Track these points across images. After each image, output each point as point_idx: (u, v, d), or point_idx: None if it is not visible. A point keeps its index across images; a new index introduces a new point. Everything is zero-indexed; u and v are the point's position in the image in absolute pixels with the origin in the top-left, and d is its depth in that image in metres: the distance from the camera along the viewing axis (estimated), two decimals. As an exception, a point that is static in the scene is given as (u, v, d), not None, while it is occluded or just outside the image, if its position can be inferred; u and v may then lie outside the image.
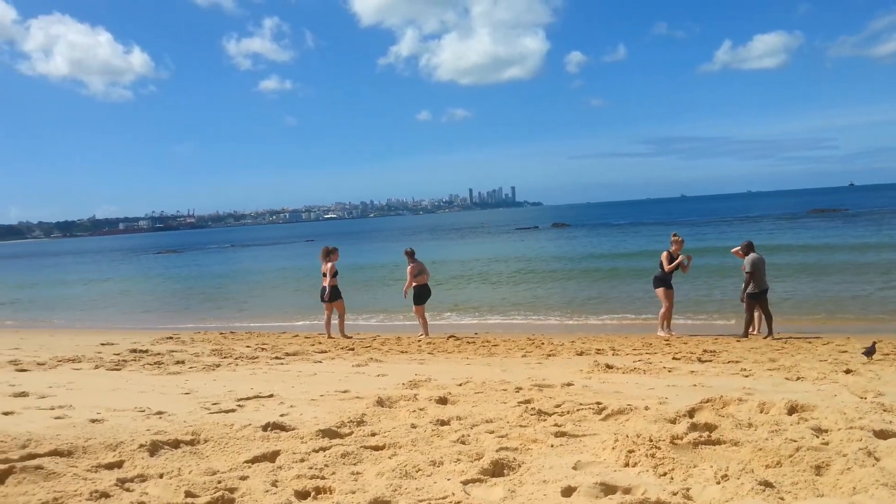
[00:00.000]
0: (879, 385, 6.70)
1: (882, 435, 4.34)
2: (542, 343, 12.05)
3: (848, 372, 7.79)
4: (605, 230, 65.50)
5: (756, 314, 12.67)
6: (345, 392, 7.05)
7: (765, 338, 12.17)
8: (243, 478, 3.83)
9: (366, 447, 4.47)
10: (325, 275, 14.20)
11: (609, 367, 8.57)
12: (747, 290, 12.46)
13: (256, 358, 10.55)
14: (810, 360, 9.09)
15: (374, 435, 4.87)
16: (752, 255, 12.54)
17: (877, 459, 3.80)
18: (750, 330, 12.71)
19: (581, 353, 10.50)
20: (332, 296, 14.12)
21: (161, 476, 3.93)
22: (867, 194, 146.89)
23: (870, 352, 9.07)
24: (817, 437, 4.35)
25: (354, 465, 4.12)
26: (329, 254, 14.35)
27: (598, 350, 10.86)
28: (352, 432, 4.98)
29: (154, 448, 4.44)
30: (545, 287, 23.18)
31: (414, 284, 14.10)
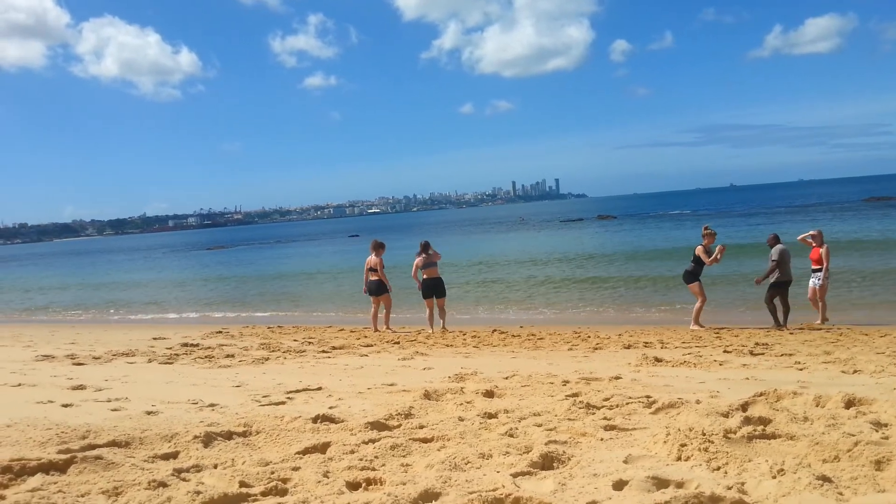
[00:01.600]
0: (942, 378, 6.48)
1: (946, 429, 4.20)
2: (589, 336, 11.95)
3: (907, 365, 7.55)
4: (652, 221, 64.60)
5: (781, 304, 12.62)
6: (392, 385, 7.10)
7: (778, 329, 12.02)
8: (295, 468, 3.89)
9: (414, 439, 4.50)
10: (372, 269, 14.28)
11: (658, 360, 8.45)
12: (772, 280, 12.60)
13: (304, 351, 10.70)
14: (867, 352, 8.83)
15: (422, 427, 4.89)
16: (779, 246, 12.71)
17: (941, 454, 3.67)
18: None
19: (629, 347, 10.38)
20: (379, 290, 14.21)
21: (216, 466, 4.01)
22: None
23: None
24: (876, 431, 4.22)
25: (404, 457, 4.15)
26: (377, 248, 14.43)
27: (646, 343, 10.73)
28: (400, 425, 5.01)
29: (208, 439, 4.53)
30: (589, 280, 22.96)
31: (424, 277, 14.06)
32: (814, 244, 13.15)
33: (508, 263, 30.40)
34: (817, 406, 5.08)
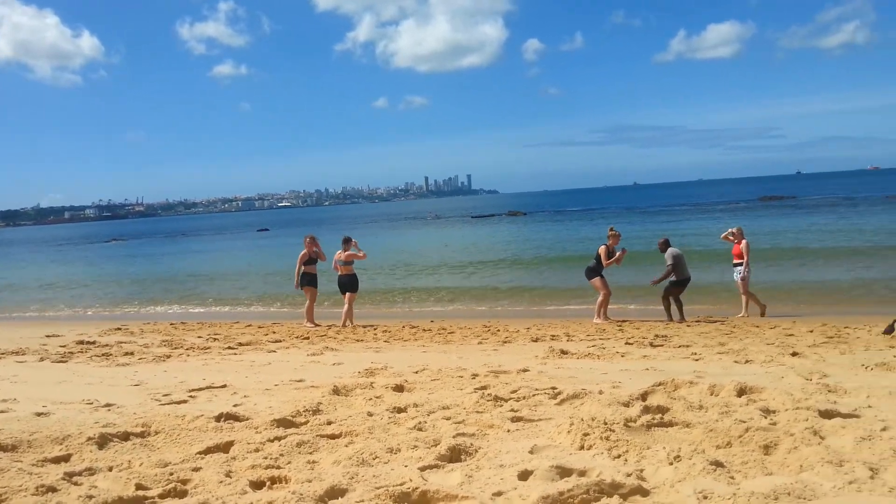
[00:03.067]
0: (824, 367, 6.91)
1: (827, 415, 4.48)
2: (498, 330, 12.12)
3: (794, 355, 8.01)
4: (561, 217, 66.16)
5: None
6: (300, 381, 6.99)
7: (678, 322, 12.69)
8: (196, 469, 3.77)
9: (322, 436, 4.44)
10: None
11: (564, 352, 8.66)
12: (670, 279, 13.18)
13: (208, 348, 10.39)
14: (758, 343, 9.32)
15: (330, 423, 4.84)
16: (671, 250, 13.35)
17: (822, 438, 3.91)
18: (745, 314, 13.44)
19: (536, 340, 10.59)
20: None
21: (111, 469, 3.84)
22: (814, 182, 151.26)
23: (890, 330, 9.73)
24: (765, 417, 4.46)
25: (310, 453, 4.09)
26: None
27: (553, 336, 10.97)
28: (307, 421, 4.94)
29: (103, 441, 4.33)
30: (500, 275, 23.30)
31: (340, 273, 13.99)
32: (734, 240, 13.90)
33: (420, 258, 30.46)
34: (712, 395, 5.32)
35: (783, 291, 16.14)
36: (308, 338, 11.77)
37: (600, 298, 13.47)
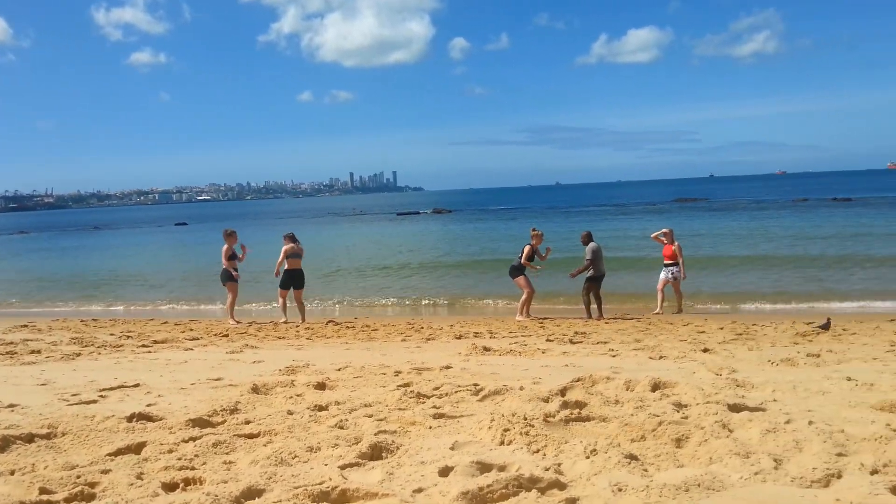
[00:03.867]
0: (733, 363, 7.21)
1: (735, 408, 4.67)
2: (422, 327, 12.14)
3: (706, 351, 8.33)
4: (485, 216, 66.74)
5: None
6: (218, 380, 6.81)
7: (597, 319, 13.01)
8: (105, 471, 3.62)
9: (239, 435, 4.33)
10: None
11: (486, 349, 8.74)
12: (587, 275, 13.52)
13: (121, 346, 10.01)
14: (672, 340, 9.65)
15: (248, 423, 4.73)
16: (592, 244, 13.66)
17: (730, 431, 4.08)
18: (659, 311, 13.91)
19: (460, 337, 10.66)
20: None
21: (12, 472, 3.64)
22: (725, 185, 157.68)
23: (825, 326, 10.28)
24: (678, 411, 4.62)
25: (227, 454, 3.98)
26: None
27: (476, 333, 11.07)
28: (224, 421, 4.81)
29: (5, 443, 4.11)
30: (424, 273, 23.35)
31: (286, 267, 13.82)
32: (665, 241, 14.35)
33: (344, 254, 30.20)
34: (627, 390, 5.47)
35: (698, 291, 16.77)
36: (227, 335, 11.49)
37: (524, 296, 13.69)
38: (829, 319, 10.57)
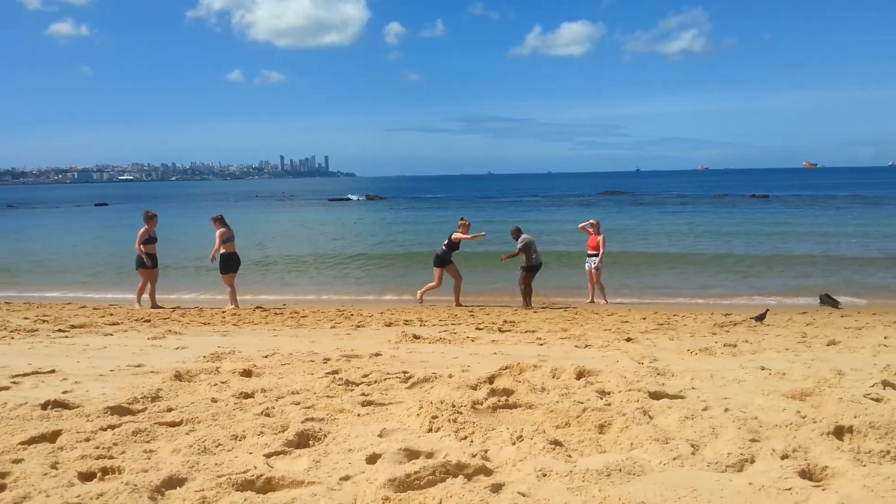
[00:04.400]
0: (655, 352, 7.43)
1: (655, 396, 4.83)
2: (352, 314, 12.07)
3: (629, 340, 8.57)
4: (418, 203, 66.73)
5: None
6: (138, 366, 6.60)
7: (525, 308, 13.27)
8: (17, 461, 3.46)
9: (161, 423, 4.21)
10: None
11: (416, 337, 8.76)
12: (521, 265, 13.84)
13: (36, 331, 9.58)
14: (597, 329, 9.89)
15: (170, 410, 4.60)
16: (523, 236, 13.96)
17: (651, 417, 4.21)
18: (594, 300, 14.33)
19: (390, 324, 10.64)
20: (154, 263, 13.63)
21: (-88, 464, 3.45)
22: (651, 179, 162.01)
23: (761, 317, 10.79)
24: (601, 398, 4.74)
25: (147, 442, 3.87)
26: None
27: (407, 321, 11.07)
28: (145, 408, 4.67)
29: None
30: (354, 260, 23.19)
31: (222, 251, 13.50)
32: (591, 232, 14.70)
33: (271, 239, 29.70)
34: (553, 377, 5.58)
35: (622, 284, 17.21)
36: (149, 320, 11.16)
37: (432, 284, 14.01)
38: (766, 310, 11.17)
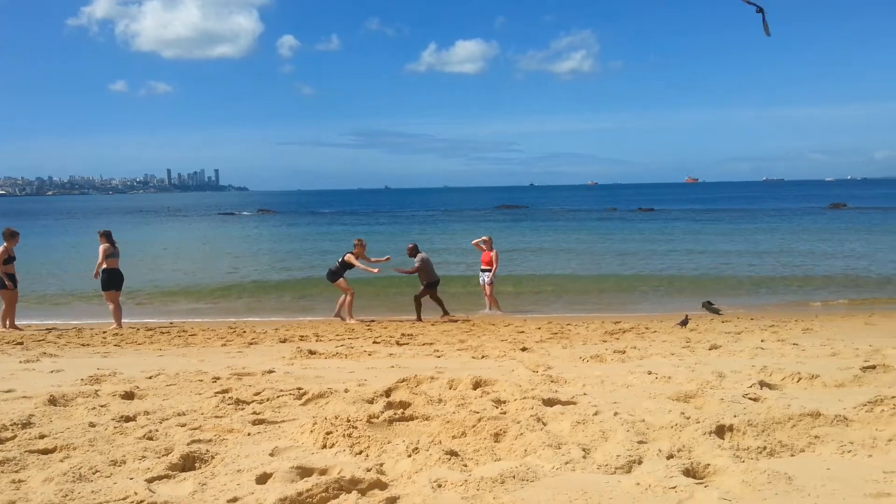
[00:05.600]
0: (549, 360, 7.59)
1: (549, 403, 4.91)
2: (244, 331, 11.71)
3: (524, 350, 8.71)
4: (313, 218, 65.77)
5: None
6: (8, 392, 6.11)
7: (442, 318, 13.46)
8: None
9: (32, 451, 3.91)
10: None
11: (312, 352, 8.58)
12: (424, 281, 13.96)
13: None
14: (493, 340, 10.01)
15: (42, 437, 4.28)
16: (420, 255, 14.08)
17: (544, 424, 4.28)
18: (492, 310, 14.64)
19: (284, 341, 10.39)
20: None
21: None
22: (545, 193, 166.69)
23: (684, 322, 11.42)
24: (497, 407, 4.77)
25: (16, 472, 3.58)
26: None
27: (302, 337, 10.84)
28: (15, 436, 4.32)
29: None
30: (245, 275, 22.56)
31: (104, 267, 12.82)
32: (484, 248, 14.96)
33: (153, 255, 28.49)
34: (450, 388, 5.58)
35: (519, 293, 17.56)
36: (21, 342, 10.41)
37: (348, 299, 13.72)
38: (686, 316, 11.82)
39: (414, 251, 14.14)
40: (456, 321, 13.29)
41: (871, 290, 17.64)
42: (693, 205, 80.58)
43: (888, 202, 74.56)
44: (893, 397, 4.56)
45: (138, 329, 12.18)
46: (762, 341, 9.22)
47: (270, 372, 6.97)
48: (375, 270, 14.12)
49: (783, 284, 18.72)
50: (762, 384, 5.53)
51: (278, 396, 5.44)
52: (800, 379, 5.73)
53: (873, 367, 6.23)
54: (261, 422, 4.57)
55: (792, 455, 3.68)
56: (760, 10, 8.58)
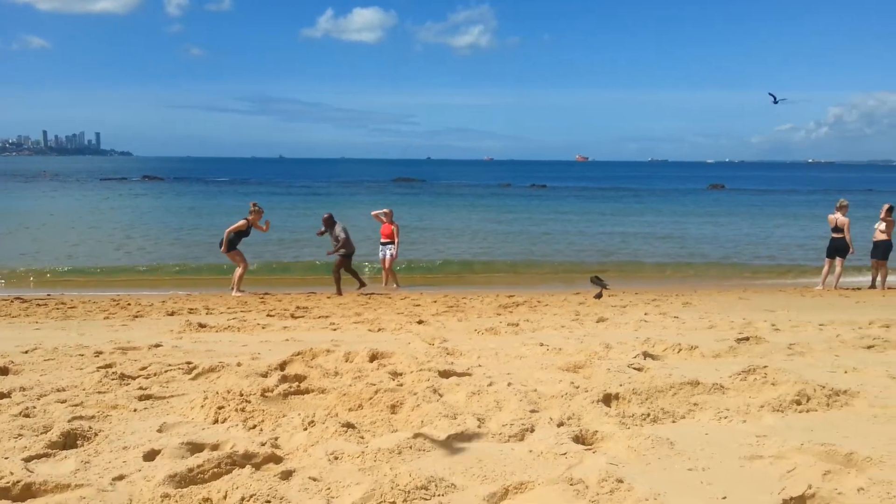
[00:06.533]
0: (445, 333, 7.68)
1: (445, 374, 4.99)
2: (129, 304, 11.19)
3: (420, 322, 8.78)
4: (204, 187, 63.35)
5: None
6: None
7: (358, 290, 13.36)
8: None
9: None
10: None
11: (202, 326, 8.32)
12: (340, 253, 13.60)
13: None
14: (390, 313, 10.03)
15: None
16: (340, 224, 13.81)
17: (440, 395, 4.34)
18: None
19: (172, 314, 10.01)
20: None
21: None
22: (442, 167, 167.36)
23: (598, 296, 11.98)
24: (393, 379, 4.80)
25: None
26: None
27: (192, 310, 10.48)
28: None
29: None
30: (130, 244, 21.55)
31: None
32: (385, 221, 14.74)
33: (27, 222, 26.73)
34: (347, 361, 5.56)
35: (415, 267, 17.63)
36: None
37: (239, 271, 13.35)
38: (601, 290, 12.43)
39: (331, 221, 13.77)
40: (352, 294, 13.20)
41: (743, 268, 18.83)
42: (584, 182, 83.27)
43: (761, 184, 79.71)
44: (765, 367, 4.91)
45: (11, 301, 11.40)
46: (645, 314, 9.68)
47: (157, 346, 6.71)
48: (264, 229, 13.89)
49: (671, 267, 19.54)
50: (646, 355, 5.81)
51: (166, 371, 5.26)
52: (680, 350, 6.07)
53: (747, 338, 6.68)
54: (148, 397, 4.41)
55: (673, 421, 3.90)
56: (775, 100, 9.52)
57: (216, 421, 3.81)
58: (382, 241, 14.78)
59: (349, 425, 3.67)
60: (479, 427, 3.70)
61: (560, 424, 3.74)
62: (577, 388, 4.47)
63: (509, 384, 4.59)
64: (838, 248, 14.18)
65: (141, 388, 4.68)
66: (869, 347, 6.35)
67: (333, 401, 4.18)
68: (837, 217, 14.26)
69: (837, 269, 14.27)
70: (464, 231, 27.29)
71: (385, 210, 15.22)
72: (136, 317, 9.71)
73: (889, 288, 14.15)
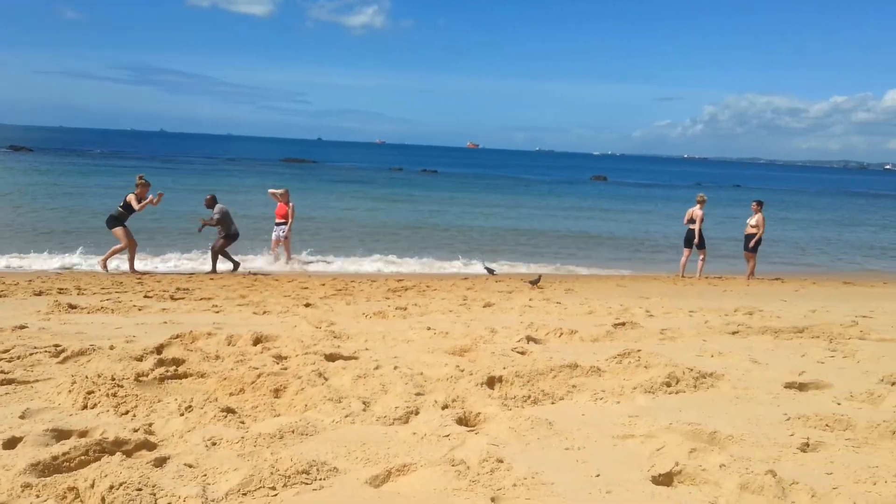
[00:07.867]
0: (332, 316, 7.60)
1: (331, 358, 4.94)
2: (-10, 282, 10.40)
3: (307, 305, 8.65)
4: (78, 160, 59.55)
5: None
6: None
7: (232, 272, 13.00)
8: None
9: None
10: None
11: (72, 307, 7.85)
12: (221, 235, 13.34)
13: None
14: (276, 295, 9.81)
15: None
16: (219, 206, 13.52)
17: (326, 379, 4.29)
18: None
19: (40, 293, 9.38)
20: None
21: None
22: (333, 149, 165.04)
23: (535, 281, 12.13)
24: (278, 363, 4.71)
25: None
26: None
27: (61, 290, 9.86)
28: None
29: None
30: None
31: None
32: (281, 200, 14.38)
33: None
34: (229, 345, 5.41)
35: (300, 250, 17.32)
36: None
37: (119, 246, 12.68)
38: (539, 276, 12.52)
39: (212, 202, 13.47)
40: (237, 276, 12.83)
41: (623, 256, 19.65)
42: (474, 169, 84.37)
43: (641, 178, 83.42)
44: (638, 350, 5.17)
45: None
46: (530, 300, 9.95)
47: (22, 327, 6.28)
48: (155, 201, 13.19)
49: (554, 252, 20.14)
50: (529, 339, 5.98)
51: (31, 354, 4.93)
52: (561, 334, 6.29)
53: (623, 323, 7.00)
54: (9, 382, 4.13)
55: (553, 403, 4.04)
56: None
57: (85, 406, 3.62)
58: (277, 220, 14.50)
59: (229, 410, 3.57)
60: (364, 410, 3.69)
61: (444, 407, 3.79)
62: (463, 371, 4.55)
63: (396, 368, 4.61)
64: (691, 239, 15.13)
65: (3, 371, 4.37)
66: (734, 333, 6.81)
67: (213, 385, 4.06)
68: (694, 210, 15.19)
69: (700, 260, 15.17)
70: (351, 225, 27.09)
71: (281, 190, 14.90)
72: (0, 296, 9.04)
73: (753, 276, 15.18)
